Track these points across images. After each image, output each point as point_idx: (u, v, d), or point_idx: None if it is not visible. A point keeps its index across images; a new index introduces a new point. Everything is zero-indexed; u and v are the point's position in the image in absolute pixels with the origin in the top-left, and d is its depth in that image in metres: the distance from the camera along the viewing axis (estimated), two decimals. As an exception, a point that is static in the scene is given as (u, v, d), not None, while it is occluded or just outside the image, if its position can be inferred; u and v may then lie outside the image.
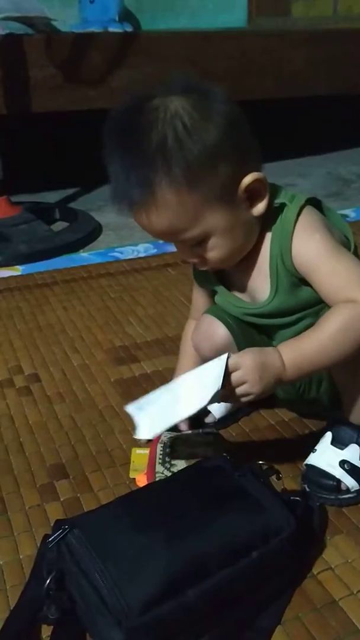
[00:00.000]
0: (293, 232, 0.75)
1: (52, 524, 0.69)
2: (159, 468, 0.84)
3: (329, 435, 0.83)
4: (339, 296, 0.73)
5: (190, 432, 0.90)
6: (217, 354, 0.77)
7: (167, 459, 0.85)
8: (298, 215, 0.75)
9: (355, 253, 0.78)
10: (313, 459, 0.83)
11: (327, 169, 2.50)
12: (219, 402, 0.80)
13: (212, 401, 0.71)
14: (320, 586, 0.71)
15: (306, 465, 0.84)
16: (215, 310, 0.88)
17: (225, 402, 0.82)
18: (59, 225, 1.95)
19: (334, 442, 0.82)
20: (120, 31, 2.41)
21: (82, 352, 1.21)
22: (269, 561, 0.66)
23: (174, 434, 0.88)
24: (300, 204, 0.76)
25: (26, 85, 1.90)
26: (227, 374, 0.71)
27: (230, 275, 0.84)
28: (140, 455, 0.90)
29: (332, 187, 2.29)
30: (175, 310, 1.36)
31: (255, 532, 0.66)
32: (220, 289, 0.86)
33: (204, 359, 0.89)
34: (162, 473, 0.83)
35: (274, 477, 0.75)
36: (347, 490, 0.81)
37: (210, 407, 0.96)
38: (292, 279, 0.77)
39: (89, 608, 0.61)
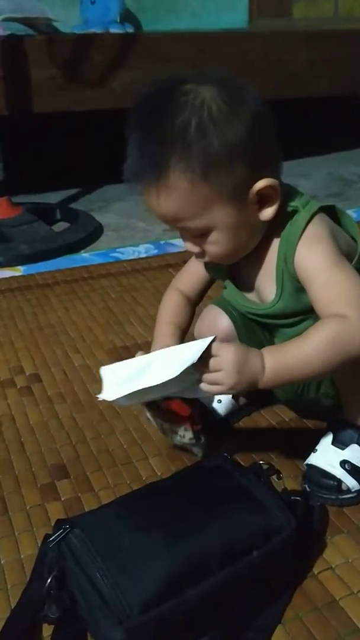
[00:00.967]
0: (299, 239, 0.75)
1: (53, 524, 0.69)
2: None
3: (329, 435, 0.84)
4: (328, 310, 0.72)
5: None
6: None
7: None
8: (308, 222, 0.75)
9: None
10: (314, 459, 0.83)
11: (328, 170, 2.50)
12: (189, 388, 0.75)
13: (182, 378, 0.69)
14: (321, 586, 0.71)
15: (307, 465, 0.84)
16: (222, 303, 0.88)
17: (195, 390, 0.75)
18: (60, 226, 1.95)
19: (335, 442, 0.82)
20: (121, 32, 2.41)
21: (83, 352, 1.22)
22: (270, 561, 0.66)
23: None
24: (312, 211, 0.75)
25: (27, 86, 1.90)
26: (208, 356, 0.70)
27: (239, 270, 0.84)
28: None
29: (333, 187, 2.29)
30: (176, 310, 1.36)
31: (256, 532, 0.66)
32: (229, 285, 0.86)
33: None
34: None
35: (274, 477, 0.75)
36: (348, 490, 0.81)
37: (210, 407, 0.96)
38: (296, 284, 0.78)
39: (90, 607, 0.61)
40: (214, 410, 0.96)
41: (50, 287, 1.51)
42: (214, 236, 0.74)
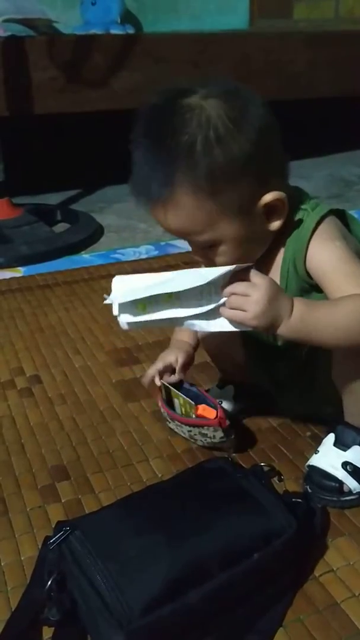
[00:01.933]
0: (310, 238, 0.75)
1: (53, 526, 0.69)
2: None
3: (331, 437, 0.83)
4: (348, 292, 0.71)
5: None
6: (223, 347, 0.77)
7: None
8: (318, 223, 0.75)
9: None
10: (315, 460, 0.83)
11: (329, 171, 2.50)
12: (206, 315, 0.70)
13: (200, 298, 0.67)
14: (322, 588, 0.70)
15: (308, 466, 0.84)
16: None
17: (213, 320, 0.72)
18: (61, 227, 1.95)
19: (337, 444, 0.82)
20: (121, 33, 2.41)
21: (84, 353, 1.21)
22: (271, 563, 0.66)
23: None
24: (321, 213, 0.75)
25: (28, 87, 1.90)
26: (238, 279, 0.68)
27: None
28: None
29: (333, 188, 2.29)
30: (177, 311, 1.35)
31: (257, 534, 0.66)
32: None
33: (210, 354, 0.90)
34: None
35: (275, 479, 0.75)
36: (350, 492, 0.81)
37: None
38: (302, 285, 0.78)
39: (90, 610, 0.61)
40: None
41: (51, 288, 1.51)
42: (222, 248, 0.74)
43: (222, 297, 0.69)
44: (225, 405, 0.96)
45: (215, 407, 0.85)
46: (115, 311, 0.72)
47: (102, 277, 1.57)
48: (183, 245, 1.73)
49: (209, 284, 0.68)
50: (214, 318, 0.71)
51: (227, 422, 0.84)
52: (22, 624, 0.66)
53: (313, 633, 0.66)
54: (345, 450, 0.82)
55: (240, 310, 0.68)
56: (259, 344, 0.87)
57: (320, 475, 0.81)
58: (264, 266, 0.80)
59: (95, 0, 2.58)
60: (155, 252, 1.73)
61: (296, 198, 0.77)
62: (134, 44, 2.04)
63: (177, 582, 0.61)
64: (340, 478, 0.80)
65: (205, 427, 0.85)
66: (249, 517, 0.68)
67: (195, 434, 0.88)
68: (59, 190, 2.29)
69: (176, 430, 0.92)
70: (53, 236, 1.84)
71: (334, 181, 2.39)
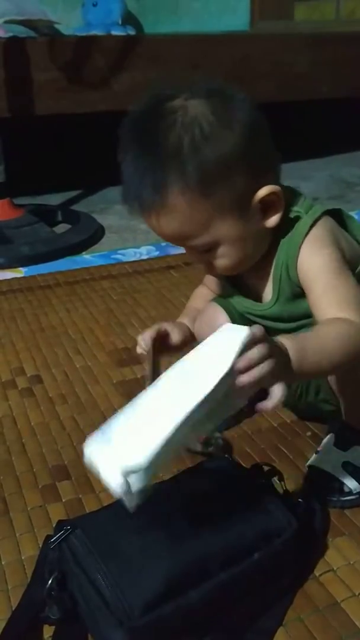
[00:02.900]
0: (302, 244, 0.74)
1: (54, 525, 0.69)
2: None
3: (331, 437, 0.84)
4: (330, 313, 0.70)
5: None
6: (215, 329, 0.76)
7: None
8: (311, 227, 0.74)
9: None
10: (316, 461, 0.83)
11: (330, 172, 2.50)
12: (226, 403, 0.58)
13: (219, 391, 0.52)
14: (322, 588, 0.71)
15: (309, 466, 0.84)
16: (222, 301, 0.88)
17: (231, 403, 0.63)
18: (62, 228, 1.95)
19: (337, 444, 0.82)
20: (122, 34, 2.42)
21: (85, 353, 1.22)
22: (271, 562, 0.66)
23: None
24: (315, 216, 0.74)
25: (29, 88, 1.91)
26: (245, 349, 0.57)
27: (239, 275, 0.83)
28: None
29: (334, 189, 2.29)
30: (178, 312, 1.34)
31: (257, 534, 0.66)
32: (228, 286, 0.86)
33: (200, 339, 0.89)
34: None
35: (276, 479, 0.75)
36: (350, 492, 0.81)
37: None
38: (295, 289, 0.77)
39: (91, 609, 0.61)
40: None
41: (52, 288, 1.51)
42: (221, 250, 0.73)
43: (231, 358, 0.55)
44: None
45: None
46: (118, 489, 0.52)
47: (103, 277, 1.57)
48: (184, 246, 1.74)
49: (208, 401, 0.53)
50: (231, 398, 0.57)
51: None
52: (22, 622, 0.66)
53: (313, 632, 0.66)
54: (345, 451, 0.82)
55: (265, 376, 0.58)
56: None
57: (320, 476, 0.81)
58: (258, 271, 0.79)
59: (97, 1, 2.59)
60: (156, 253, 1.73)
61: (290, 200, 0.76)
62: (135, 45, 2.04)
63: (177, 581, 0.61)
64: (340, 478, 0.81)
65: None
66: (250, 516, 0.68)
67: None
68: (60, 191, 2.29)
69: None
70: (54, 237, 1.84)
71: (335, 182, 2.39)
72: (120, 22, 2.58)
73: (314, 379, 0.82)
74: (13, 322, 1.35)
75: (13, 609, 0.69)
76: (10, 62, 1.87)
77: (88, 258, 1.72)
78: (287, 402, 0.94)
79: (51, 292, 1.49)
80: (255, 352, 0.57)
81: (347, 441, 0.82)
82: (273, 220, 0.73)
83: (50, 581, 0.64)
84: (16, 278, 1.59)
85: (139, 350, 0.88)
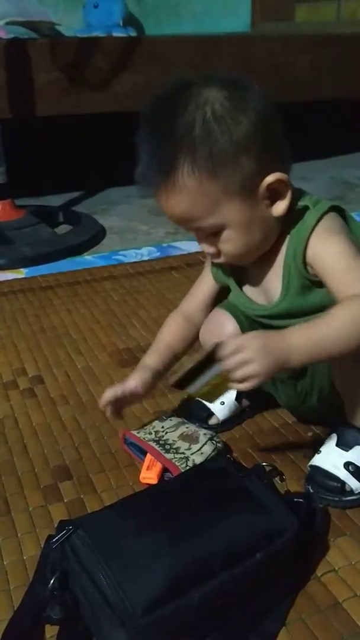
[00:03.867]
0: (310, 235, 0.75)
1: (55, 525, 0.69)
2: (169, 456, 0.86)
3: (333, 437, 0.83)
4: (351, 291, 0.71)
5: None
6: (219, 335, 0.79)
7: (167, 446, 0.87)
8: (319, 220, 0.75)
9: None
10: (317, 460, 0.83)
11: (331, 173, 2.51)
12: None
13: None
14: (324, 588, 0.71)
15: (310, 466, 0.84)
16: (228, 306, 0.88)
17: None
18: (63, 229, 1.95)
19: (339, 444, 0.82)
20: (124, 36, 2.42)
21: (86, 354, 1.22)
22: (273, 562, 0.66)
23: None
24: (323, 210, 0.75)
25: (30, 89, 1.91)
26: (227, 356, 0.68)
27: (246, 272, 0.84)
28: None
29: (335, 191, 2.29)
30: (179, 313, 1.36)
31: (259, 533, 0.66)
32: (234, 286, 0.86)
33: (205, 344, 0.89)
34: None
35: (277, 479, 0.75)
36: (351, 492, 0.81)
37: (213, 409, 0.96)
38: (304, 281, 0.78)
39: (93, 608, 0.61)
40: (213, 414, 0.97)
41: (53, 289, 1.52)
42: (227, 234, 0.74)
43: None
44: (227, 405, 0.97)
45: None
46: None
47: (105, 278, 1.57)
48: (185, 247, 1.74)
49: None
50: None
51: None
52: (25, 622, 0.66)
53: (315, 632, 0.66)
54: (347, 451, 0.82)
55: (251, 376, 0.68)
56: None
57: (322, 475, 0.81)
58: (264, 262, 0.80)
59: (98, 3, 2.60)
60: (157, 254, 1.73)
61: (296, 195, 0.77)
62: (136, 46, 2.04)
63: (179, 581, 0.61)
64: (342, 478, 0.80)
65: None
66: (251, 516, 0.68)
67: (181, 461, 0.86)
68: (61, 192, 2.29)
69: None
70: (55, 238, 1.84)
71: (336, 183, 2.39)
72: (121, 23, 2.58)
73: (326, 364, 0.82)
74: (14, 323, 1.35)
75: (15, 609, 0.69)
76: (12, 63, 1.87)
77: (89, 259, 1.72)
78: (291, 405, 0.94)
79: (52, 293, 1.49)
80: (236, 359, 0.68)
81: (349, 441, 0.82)
82: (280, 208, 0.74)
83: (52, 581, 0.64)
84: (17, 279, 1.59)
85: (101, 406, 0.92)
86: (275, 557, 0.66)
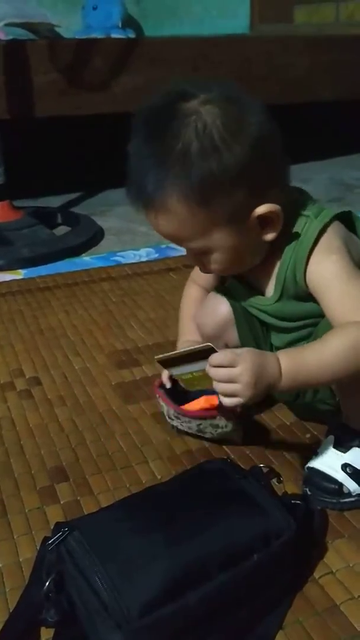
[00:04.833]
0: (312, 249, 0.74)
1: (52, 527, 0.69)
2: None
3: (331, 439, 0.83)
4: (347, 318, 0.71)
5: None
6: (218, 330, 0.81)
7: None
8: (321, 232, 0.74)
9: None
10: (315, 462, 0.83)
11: (330, 174, 2.51)
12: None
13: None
14: (322, 590, 0.70)
15: (308, 468, 0.84)
16: (223, 290, 0.89)
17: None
18: (61, 230, 1.95)
19: (336, 446, 0.82)
20: (123, 37, 2.42)
21: (84, 355, 1.21)
22: (270, 564, 0.66)
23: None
24: (325, 221, 0.74)
25: (29, 90, 1.91)
26: (219, 366, 0.68)
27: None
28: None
29: (334, 192, 2.29)
30: (177, 314, 1.34)
31: (256, 535, 0.66)
32: (230, 279, 0.87)
33: (205, 336, 0.90)
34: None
35: (275, 481, 0.75)
36: (349, 494, 0.80)
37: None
38: (299, 292, 0.77)
39: (89, 611, 0.61)
40: None
41: (51, 290, 1.51)
42: (214, 256, 0.74)
43: None
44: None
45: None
46: None
47: (103, 279, 1.57)
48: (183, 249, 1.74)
49: None
50: None
51: (239, 409, 0.81)
52: (20, 625, 0.66)
53: (312, 635, 0.65)
54: (344, 452, 0.81)
55: (233, 395, 0.68)
56: (253, 336, 0.87)
57: (319, 477, 0.81)
58: (260, 270, 0.80)
59: (97, 4, 2.60)
60: (156, 255, 1.73)
61: (298, 202, 0.76)
62: (135, 47, 2.04)
63: (175, 583, 0.61)
64: (339, 480, 0.80)
65: (218, 417, 0.85)
66: (248, 518, 0.68)
67: (205, 427, 0.88)
68: (59, 193, 2.29)
69: (181, 427, 0.91)
70: (53, 239, 1.84)
71: (335, 185, 2.39)
72: (120, 25, 2.58)
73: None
74: (12, 324, 1.35)
75: (10, 611, 0.68)
76: (11, 65, 1.87)
77: (87, 260, 1.72)
78: (285, 400, 0.94)
79: (50, 294, 1.49)
80: (227, 373, 0.68)
81: (346, 443, 0.82)
82: (270, 236, 0.74)
83: (47, 583, 0.64)
84: (15, 280, 1.59)
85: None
86: (273, 559, 0.66)
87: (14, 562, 0.75)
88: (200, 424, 0.88)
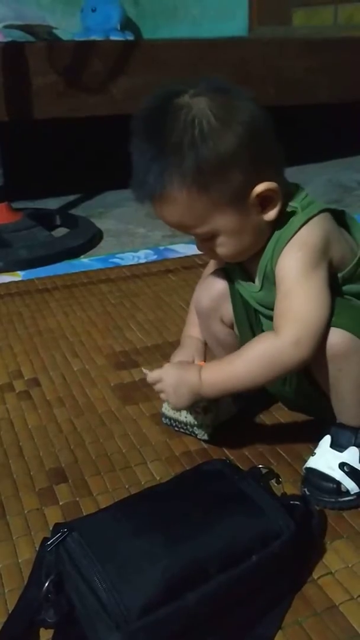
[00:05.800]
0: (289, 240, 0.76)
1: (51, 528, 0.69)
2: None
3: (327, 439, 0.83)
4: (277, 319, 0.76)
5: None
6: (214, 303, 0.87)
7: None
8: (302, 225, 0.76)
9: None
10: (312, 462, 0.83)
11: (328, 176, 2.51)
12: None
13: None
14: (321, 591, 0.70)
15: (306, 468, 0.84)
16: (224, 274, 0.90)
17: None
18: (60, 232, 1.95)
19: (333, 445, 0.82)
20: (121, 39, 2.43)
21: (82, 357, 1.21)
22: (269, 565, 0.66)
23: None
24: (310, 214, 0.76)
25: (28, 92, 1.91)
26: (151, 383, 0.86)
27: None
28: None
29: (332, 194, 2.29)
30: (176, 315, 1.36)
31: (255, 536, 0.66)
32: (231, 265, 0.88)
33: (200, 312, 0.93)
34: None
35: (273, 481, 0.75)
36: (347, 493, 0.81)
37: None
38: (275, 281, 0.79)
39: (88, 612, 0.61)
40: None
41: (50, 292, 1.51)
42: (220, 240, 0.77)
43: None
44: (224, 407, 0.96)
45: None
46: None
47: (101, 281, 1.57)
48: (182, 250, 1.74)
49: None
50: None
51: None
52: (19, 625, 0.66)
53: (311, 635, 0.65)
54: (341, 452, 0.82)
55: (165, 398, 0.86)
56: (246, 314, 0.89)
57: (317, 477, 0.81)
58: (250, 261, 0.82)
59: (96, 7, 2.60)
60: (154, 257, 1.73)
61: (290, 195, 0.78)
62: (133, 50, 2.05)
63: (174, 583, 0.61)
64: (337, 479, 0.80)
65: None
66: (247, 519, 0.68)
67: (170, 415, 0.94)
68: (58, 195, 2.29)
69: (172, 422, 0.95)
70: (52, 240, 1.84)
71: (333, 187, 2.40)
72: (119, 27, 2.59)
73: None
74: (11, 326, 1.35)
75: (9, 612, 0.68)
76: (9, 67, 1.87)
77: (86, 262, 1.72)
78: (274, 390, 0.94)
79: (49, 296, 1.49)
80: (156, 387, 0.87)
81: (342, 442, 0.82)
82: (272, 214, 0.76)
83: (47, 584, 0.64)
84: (14, 282, 1.59)
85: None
86: (272, 559, 0.66)
87: (13, 563, 0.75)
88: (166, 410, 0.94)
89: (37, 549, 0.74)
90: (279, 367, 0.76)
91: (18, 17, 2.17)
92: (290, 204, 0.78)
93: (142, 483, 0.87)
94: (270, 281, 0.80)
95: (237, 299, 0.88)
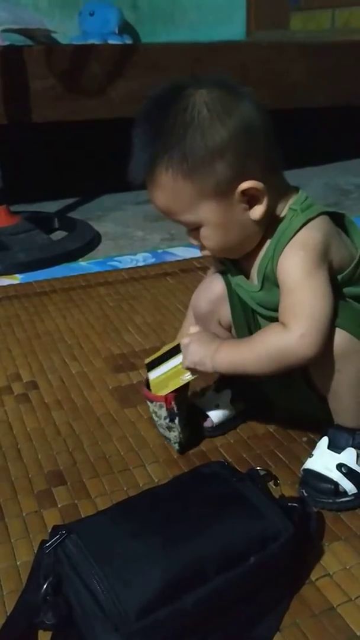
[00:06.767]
0: (289, 241, 0.76)
1: (49, 530, 0.69)
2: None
3: (325, 440, 0.84)
4: (283, 315, 0.76)
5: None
6: (211, 306, 0.88)
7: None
8: (303, 225, 0.76)
9: None
10: (310, 463, 0.83)
11: (326, 180, 2.52)
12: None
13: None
14: (319, 592, 0.70)
15: (304, 470, 0.84)
16: (221, 272, 0.91)
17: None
18: (58, 235, 1.95)
19: (331, 446, 0.83)
20: (120, 43, 2.43)
21: (81, 359, 1.22)
22: (267, 567, 0.66)
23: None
24: (310, 216, 0.77)
25: (26, 95, 1.91)
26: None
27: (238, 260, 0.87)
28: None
29: (330, 197, 2.30)
30: (174, 318, 1.36)
31: (253, 538, 0.66)
32: (227, 262, 0.89)
33: (198, 316, 0.94)
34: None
35: (271, 483, 0.75)
36: (345, 494, 0.81)
37: (208, 412, 0.96)
38: (276, 282, 0.79)
39: (86, 613, 0.61)
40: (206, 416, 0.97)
41: (48, 295, 1.52)
42: (204, 231, 0.78)
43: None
44: (222, 409, 0.97)
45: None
46: None
47: (100, 284, 1.57)
48: (180, 253, 1.75)
49: None
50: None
51: (172, 404, 0.88)
52: (17, 628, 0.66)
53: (309, 637, 0.66)
54: (339, 453, 0.82)
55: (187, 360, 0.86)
56: (244, 314, 0.89)
57: (315, 478, 0.81)
58: (249, 259, 0.83)
59: (94, 11, 2.61)
60: (152, 260, 1.73)
61: (290, 196, 0.79)
62: (131, 53, 2.05)
63: (173, 585, 0.61)
64: (335, 479, 0.80)
65: (158, 405, 0.90)
66: (245, 521, 0.68)
67: (152, 412, 0.93)
68: (56, 198, 2.29)
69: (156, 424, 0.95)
70: (50, 243, 1.84)
71: (331, 190, 2.40)
72: (117, 31, 2.60)
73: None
74: (9, 329, 1.35)
75: (8, 614, 0.68)
76: (8, 70, 1.88)
77: (84, 265, 1.72)
78: (273, 392, 0.95)
79: (47, 299, 1.49)
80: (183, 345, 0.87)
81: (340, 443, 0.82)
82: (257, 213, 0.77)
83: (45, 586, 0.64)
84: (12, 285, 1.59)
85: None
86: (270, 561, 0.66)
87: (12, 565, 0.75)
88: (149, 408, 0.93)
89: (35, 551, 0.73)
90: (287, 362, 0.76)
91: (16, 21, 2.18)
92: (291, 206, 0.78)
93: (141, 485, 0.87)
94: (270, 281, 0.80)
95: (235, 301, 0.89)
